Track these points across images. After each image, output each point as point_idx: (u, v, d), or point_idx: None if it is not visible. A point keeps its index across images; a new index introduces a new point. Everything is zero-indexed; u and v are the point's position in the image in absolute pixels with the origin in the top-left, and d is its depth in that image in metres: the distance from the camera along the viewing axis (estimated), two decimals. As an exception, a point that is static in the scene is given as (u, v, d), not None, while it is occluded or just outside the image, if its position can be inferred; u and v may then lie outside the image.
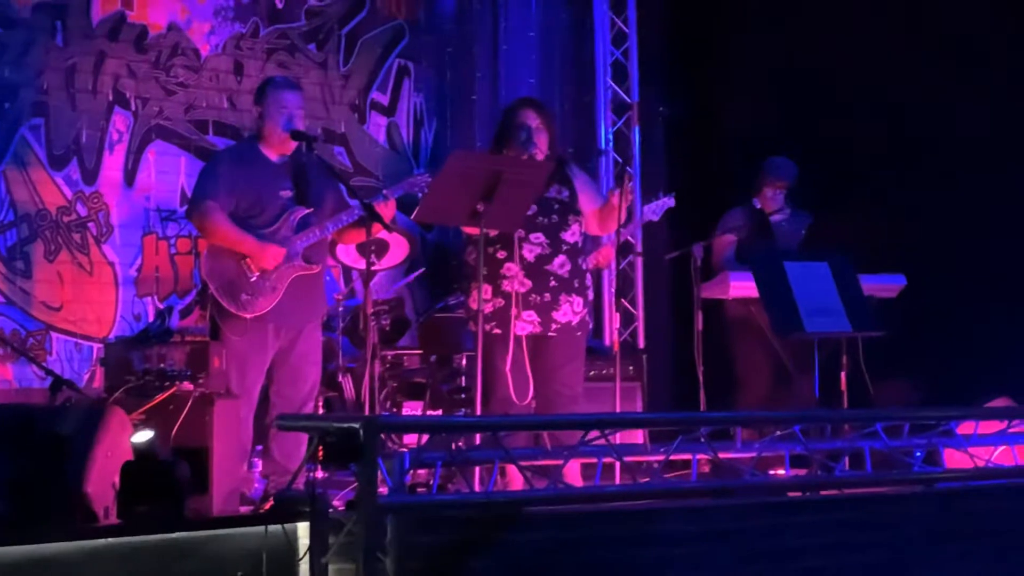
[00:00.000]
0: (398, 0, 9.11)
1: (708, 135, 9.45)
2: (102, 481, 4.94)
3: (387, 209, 6.22)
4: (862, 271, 6.75)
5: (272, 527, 4.77)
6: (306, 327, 6.22)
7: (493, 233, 6.20)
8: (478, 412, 6.04)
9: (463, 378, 7.82)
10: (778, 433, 5.76)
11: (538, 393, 6.24)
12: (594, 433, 5.18)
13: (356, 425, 4.48)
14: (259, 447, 6.30)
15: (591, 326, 6.59)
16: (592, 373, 7.45)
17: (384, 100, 9.04)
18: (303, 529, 4.81)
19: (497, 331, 6.20)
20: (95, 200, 7.80)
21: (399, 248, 7.83)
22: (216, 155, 6.89)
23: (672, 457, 5.54)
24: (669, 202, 7.06)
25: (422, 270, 8.46)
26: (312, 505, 4.63)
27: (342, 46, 8.84)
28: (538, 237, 6.28)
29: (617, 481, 5.83)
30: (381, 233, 6.41)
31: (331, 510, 4.67)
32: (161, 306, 7.91)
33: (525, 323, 6.22)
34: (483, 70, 9.36)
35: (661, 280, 9.24)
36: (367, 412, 6.30)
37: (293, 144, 6.23)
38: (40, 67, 7.61)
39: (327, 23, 8.77)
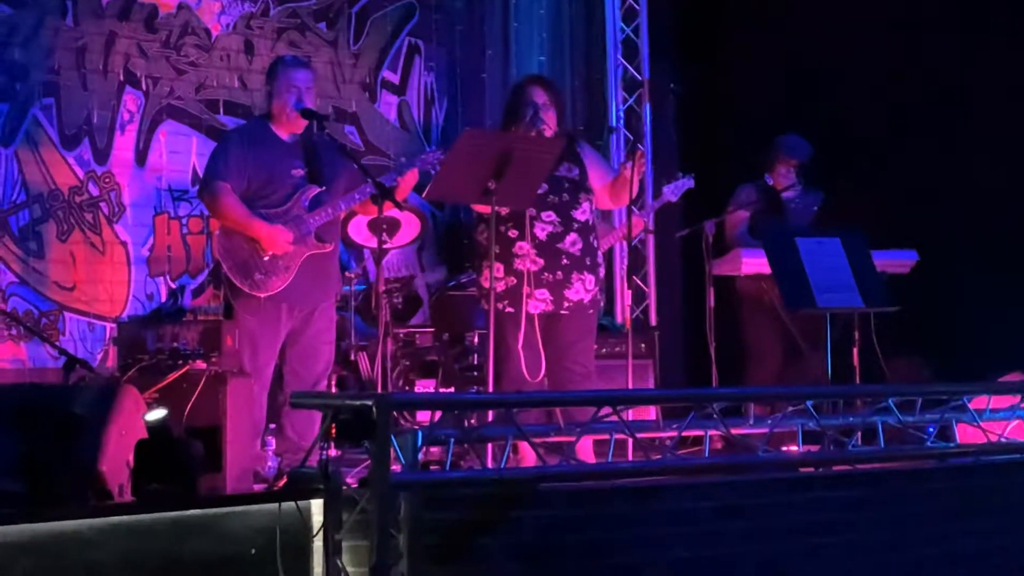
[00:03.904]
0: (408, -21, 9.11)
1: (719, 112, 9.43)
2: (116, 459, 4.95)
3: (409, 178, 6.24)
4: (874, 247, 6.74)
5: (286, 504, 4.78)
6: (320, 306, 6.23)
7: (504, 211, 6.20)
8: (490, 389, 6.05)
9: (475, 356, 7.83)
10: (790, 409, 5.76)
11: (550, 370, 6.25)
12: (606, 410, 5.19)
13: (369, 403, 4.50)
14: (273, 425, 6.31)
15: (603, 303, 6.59)
16: (604, 350, 7.46)
17: (395, 79, 9.03)
18: (317, 506, 4.82)
19: (509, 309, 6.21)
20: (107, 180, 7.81)
21: (410, 226, 7.83)
22: (227, 135, 6.88)
23: (684, 433, 5.55)
24: (688, 183, 7.05)
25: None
26: (325, 482, 4.65)
27: (352, 25, 8.83)
28: (549, 215, 6.27)
29: (630, 457, 5.84)
30: (392, 211, 6.41)
31: (344, 487, 4.68)
32: (173, 285, 7.93)
33: (538, 301, 6.23)
34: (493, 48, 9.35)
35: (673, 257, 9.23)
36: (380, 390, 6.31)
37: (304, 123, 6.22)
38: (50, 47, 7.61)
39: (337, 2, 8.76)
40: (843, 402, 6.38)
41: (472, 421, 5.83)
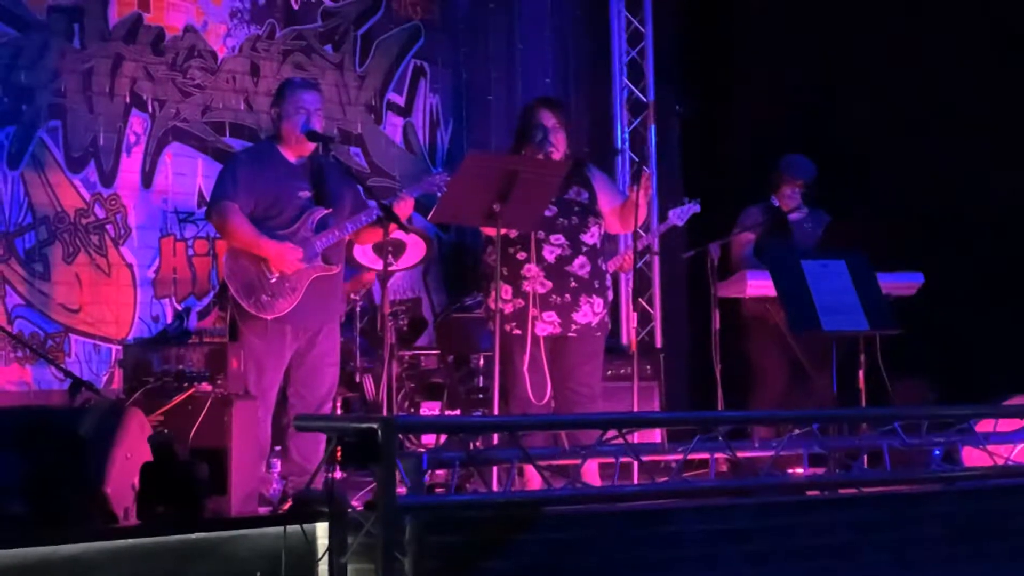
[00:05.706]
0: (414, 1, 9.12)
1: (724, 133, 9.45)
2: (122, 482, 4.96)
3: (404, 206, 6.23)
4: (880, 269, 6.73)
5: (291, 527, 4.79)
6: (324, 328, 6.23)
7: (514, 234, 6.21)
8: (496, 412, 6.04)
9: (480, 378, 7.83)
10: (796, 432, 5.75)
11: (556, 393, 6.25)
12: (612, 432, 5.18)
13: (374, 425, 4.49)
14: (277, 448, 6.30)
15: (610, 326, 6.60)
16: (610, 372, 7.45)
17: (400, 101, 9.05)
18: (322, 529, 4.82)
19: (517, 331, 6.21)
20: (113, 202, 7.81)
21: (416, 249, 7.84)
22: (234, 156, 6.90)
23: (690, 456, 5.53)
24: (694, 208, 7.06)
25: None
26: (331, 505, 4.65)
27: (358, 47, 8.85)
28: (558, 238, 6.28)
29: (635, 481, 5.83)
30: (398, 233, 6.41)
31: (350, 510, 4.68)
32: (179, 307, 7.93)
33: (545, 324, 6.23)
34: (499, 70, 9.37)
35: (678, 279, 9.23)
36: (385, 412, 6.30)
37: (311, 145, 6.23)
38: (57, 70, 7.63)
39: (343, 24, 8.78)
40: (849, 425, 6.36)
41: (477, 444, 5.83)
